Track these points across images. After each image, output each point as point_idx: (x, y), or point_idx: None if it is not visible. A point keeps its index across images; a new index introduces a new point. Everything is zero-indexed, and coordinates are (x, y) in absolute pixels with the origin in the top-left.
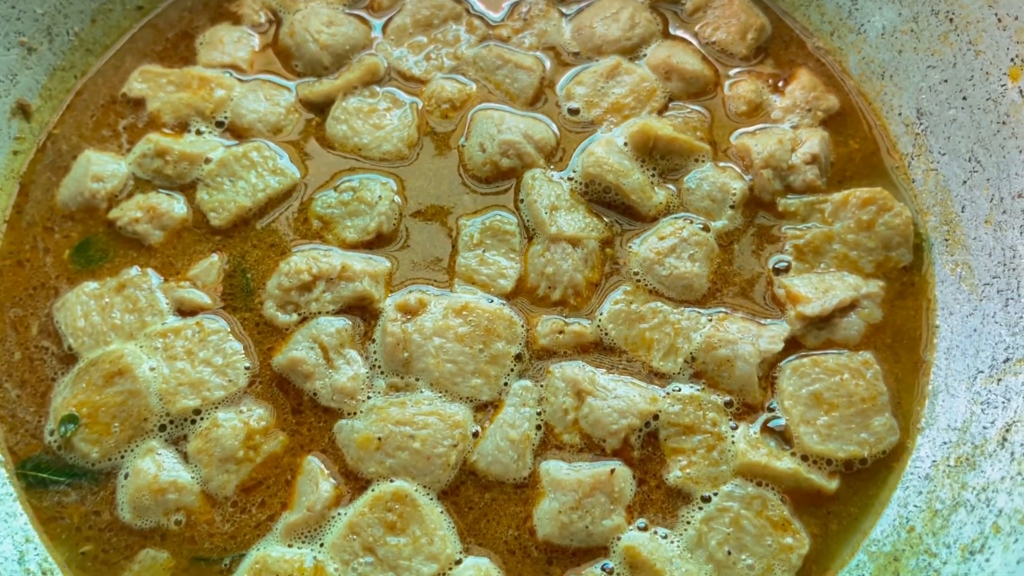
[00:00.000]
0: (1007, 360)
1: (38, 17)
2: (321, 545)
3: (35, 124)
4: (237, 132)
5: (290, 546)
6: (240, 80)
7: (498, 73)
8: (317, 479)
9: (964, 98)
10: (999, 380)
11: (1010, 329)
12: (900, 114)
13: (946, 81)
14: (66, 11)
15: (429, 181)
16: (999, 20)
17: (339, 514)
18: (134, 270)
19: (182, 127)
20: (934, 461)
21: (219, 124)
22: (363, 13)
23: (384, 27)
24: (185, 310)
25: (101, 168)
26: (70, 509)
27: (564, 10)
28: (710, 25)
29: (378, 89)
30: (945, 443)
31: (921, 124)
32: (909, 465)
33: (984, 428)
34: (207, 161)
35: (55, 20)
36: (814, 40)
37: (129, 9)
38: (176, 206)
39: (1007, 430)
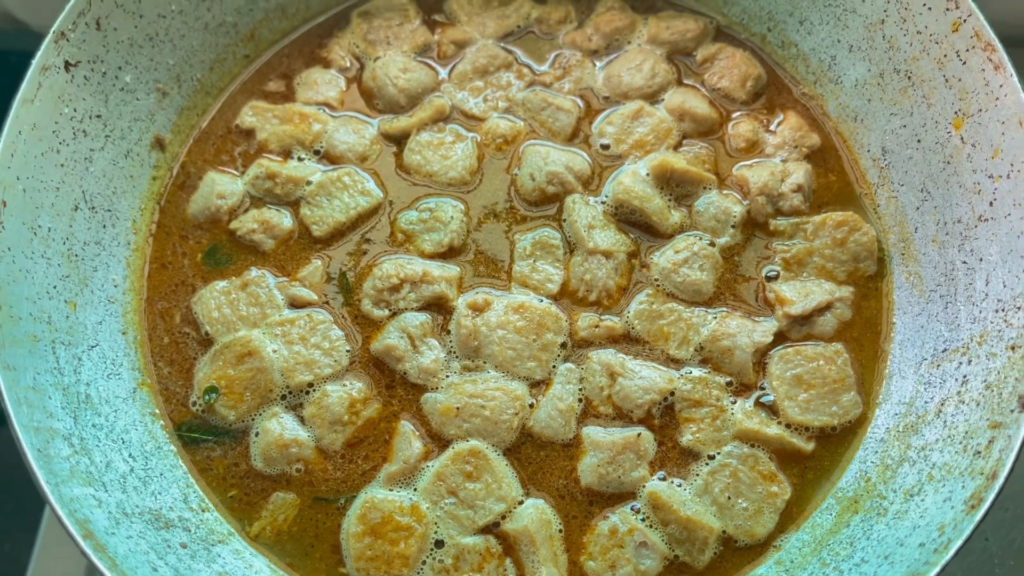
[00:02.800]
0: (944, 350)
1: (170, 67)
2: (415, 489)
3: (168, 154)
4: (331, 159)
5: (391, 490)
6: (332, 116)
7: (542, 113)
8: (410, 439)
9: (918, 141)
10: (938, 366)
11: (948, 326)
12: (869, 151)
13: (905, 126)
14: (191, 61)
15: (488, 203)
16: (946, 80)
17: (428, 466)
18: (254, 271)
19: (286, 154)
20: (887, 428)
21: (316, 152)
22: (431, 61)
23: (449, 73)
24: (297, 304)
25: (223, 187)
26: (216, 461)
27: (597, 62)
28: (716, 74)
29: (445, 125)
30: (896, 414)
31: (885, 160)
32: (869, 431)
33: (925, 403)
34: (308, 183)
35: (183, 69)
36: (800, 87)
37: (239, 58)
38: (284, 219)
39: (942, 404)
